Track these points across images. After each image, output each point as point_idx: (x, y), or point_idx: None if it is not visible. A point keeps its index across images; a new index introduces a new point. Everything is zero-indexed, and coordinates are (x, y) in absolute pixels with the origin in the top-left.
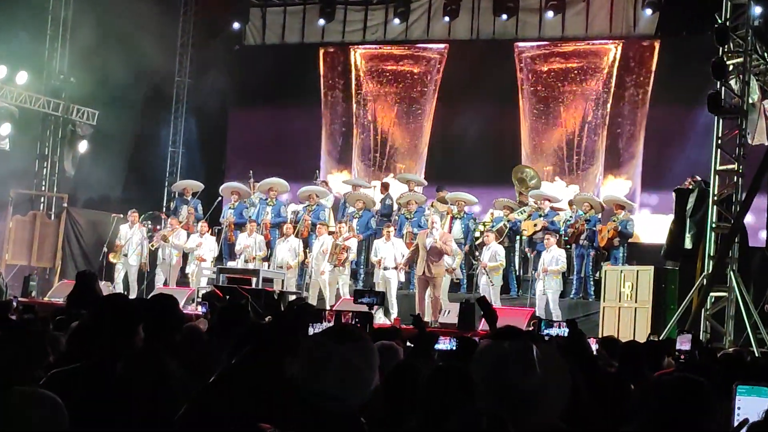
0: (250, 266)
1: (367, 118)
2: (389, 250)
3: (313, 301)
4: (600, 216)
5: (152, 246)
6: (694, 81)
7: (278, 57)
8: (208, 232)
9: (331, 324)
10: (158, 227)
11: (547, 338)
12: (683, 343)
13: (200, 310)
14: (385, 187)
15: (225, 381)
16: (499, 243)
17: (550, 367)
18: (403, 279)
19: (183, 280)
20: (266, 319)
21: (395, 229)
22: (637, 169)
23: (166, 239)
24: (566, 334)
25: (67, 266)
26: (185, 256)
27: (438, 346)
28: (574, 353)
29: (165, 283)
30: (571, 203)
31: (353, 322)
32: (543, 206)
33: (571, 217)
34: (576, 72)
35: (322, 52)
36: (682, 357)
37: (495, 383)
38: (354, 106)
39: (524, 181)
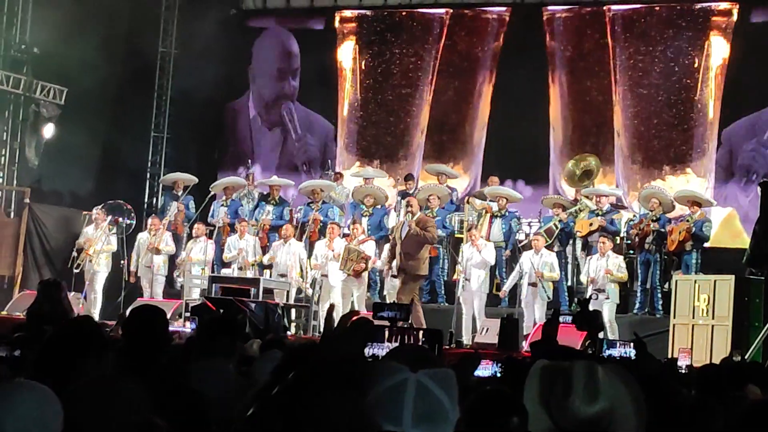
0: (248, 274)
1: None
2: None
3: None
4: (669, 216)
5: (140, 260)
6: None
7: (283, 23)
8: (204, 235)
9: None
10: (120, 219)
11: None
12: None
13: (189, 326)
14: (409, 180)
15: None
16: (548, 246)
17: (620, 392)
18: None
19: (170, 291)
20: (267, 336)
21: None
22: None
23: (157, 251)
24: (632, 356)
25: (30, 274)
26: (172, 262)
27: (478, 373)
28: (642, 379)
29: (151, 295)
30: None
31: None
32: (600, 204)
33: (634, 216)
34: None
35: (338, 17)
36: None
37: (554, 410)
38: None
39: (592, 173)
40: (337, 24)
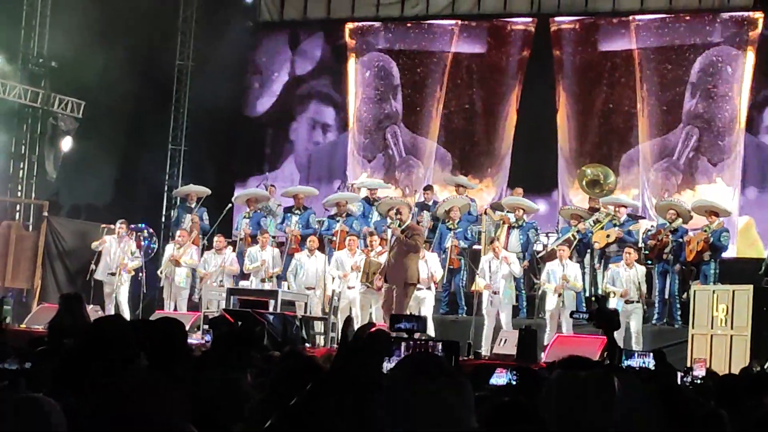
0: (266, 286)
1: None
2: (422, 267)
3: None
4: (687, 226)
5: (160, 272)
6: None
7: (299, 35)
8: (226, 247)
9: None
10: (143, 243)
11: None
12: None
13: (206, 338)
14: (428, 190)
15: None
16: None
17: (633, 403)
18: (433, 301)
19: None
20: (285, 349)
21: (432, 243)
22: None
23: (177, 263)
24: (651, 366)
25: (48, 287)
26: (194, 276)
27: (493, 381)
28: (661, 390)
29: (174, 308)
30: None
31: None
32: (618, 214)
33: (652, 227)
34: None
35: (348, 29)
36: None
37: (569, 420)
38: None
39: (599, 184)
40: (346, 34)
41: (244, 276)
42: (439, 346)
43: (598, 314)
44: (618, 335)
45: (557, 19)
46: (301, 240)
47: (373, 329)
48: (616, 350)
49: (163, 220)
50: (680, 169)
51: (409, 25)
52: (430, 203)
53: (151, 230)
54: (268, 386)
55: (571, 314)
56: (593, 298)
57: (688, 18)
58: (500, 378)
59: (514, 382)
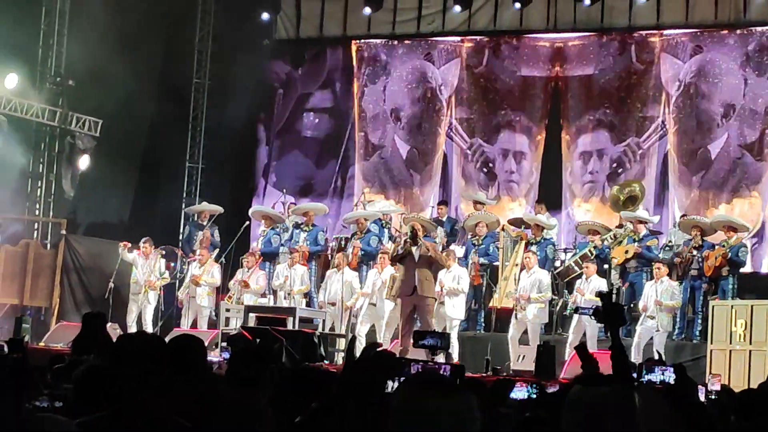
0: (285, 303)
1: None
2: (447, 280)
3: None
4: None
5: (180, 294)
6: None
7: (316, 52)
8: (255, 265)
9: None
10: (172, 264)
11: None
12: None
13: (224, 355)
14: (442, 205)
15: None
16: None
17: (656, 417)
18: (463, 316)
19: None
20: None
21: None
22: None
23: (197, 282)
24: (672, 381)
25: (66, 305)
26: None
27: (513, 395)
28: (681, 404)
29: (194, 325)
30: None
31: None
32: (638, 229)
33: (670, 242)
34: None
35: (355, 46)
36: None
37: None
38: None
39: (635, 198)
40: (353, 51)
41: (262, 294)
42: (447, 368)
43: (603, 310)
44: (637, 349)
45: (562, 35)
46: (309, 257)
47: (379, 349)
48: (619, 351)
49: (181, 237)
50: (706, 185)
51: (406, 42)
52: (444, 218)
53: (181, 251)
54: (276, 401)
55: (576, 309)
56: (597, 294)
57: (726, 31)
58: (520, 392)
59: (534, 396)
